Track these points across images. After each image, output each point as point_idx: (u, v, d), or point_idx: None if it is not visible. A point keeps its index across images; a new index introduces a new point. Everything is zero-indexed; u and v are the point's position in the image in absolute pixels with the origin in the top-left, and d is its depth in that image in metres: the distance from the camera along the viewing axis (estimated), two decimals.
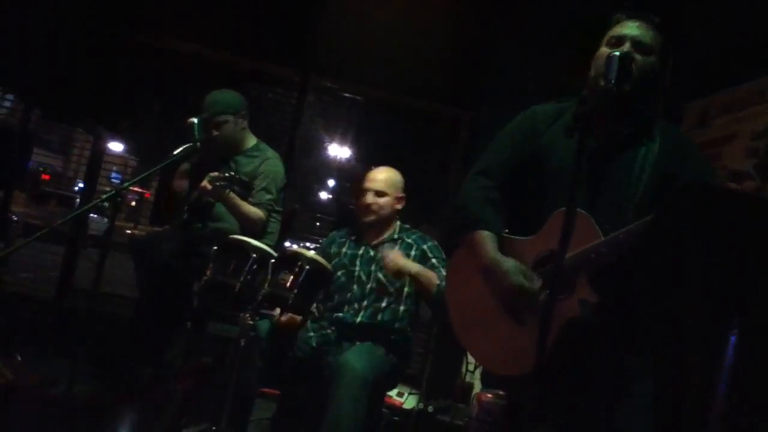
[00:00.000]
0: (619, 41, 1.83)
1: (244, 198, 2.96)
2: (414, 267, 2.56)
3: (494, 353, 1.90)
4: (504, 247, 1.90)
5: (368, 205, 2.74)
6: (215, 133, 3.05)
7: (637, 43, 1.81)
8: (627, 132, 1.86)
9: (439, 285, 2.52)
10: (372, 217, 2.75)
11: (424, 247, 2.73)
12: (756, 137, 3.01)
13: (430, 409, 3.12)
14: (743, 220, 1.53)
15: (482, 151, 2.11)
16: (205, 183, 2.84)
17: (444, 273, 2.53)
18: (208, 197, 2.92)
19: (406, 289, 2.67)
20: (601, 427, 1.83)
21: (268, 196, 3.07)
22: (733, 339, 1.55)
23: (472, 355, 2.02)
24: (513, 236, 1.93)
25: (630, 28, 1.84)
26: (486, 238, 1.89)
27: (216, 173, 2.76)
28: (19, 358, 2.98)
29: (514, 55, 4.08)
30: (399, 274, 2.54)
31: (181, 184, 3.25)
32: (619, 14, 1.90)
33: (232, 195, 2.86)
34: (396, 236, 2.79)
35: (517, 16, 4.09)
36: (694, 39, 3.21)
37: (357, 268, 2.74)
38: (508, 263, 1.85)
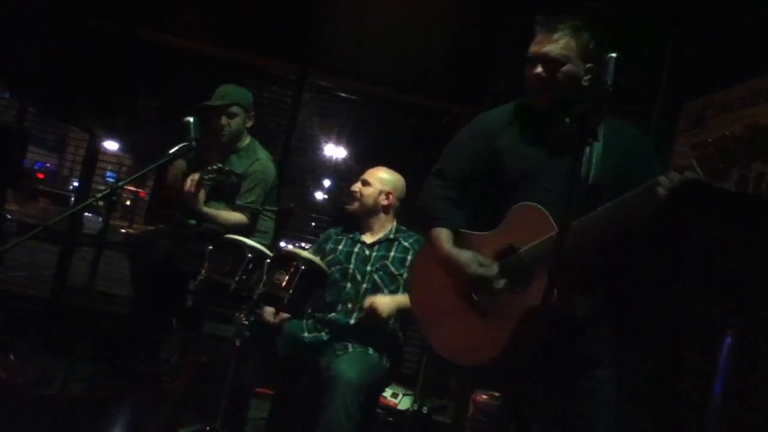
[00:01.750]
0: (531, 60, 1.92)
1: (233, 195, 2.97)
2: (397, 302, 2.55)
3: (456, 345, 1.96)
4: (464, 242, 1.99)
5: (351, 192, 2.80)
6: (224, 122, 3.06)
7: (543, 61, 1.88)
8: (569, 131, 1.89)
9: None
10: (354, 204, 2.79)
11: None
12: None
13: (425, 409, 3.12)
14: (740, 220, 1.54)
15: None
16: (188, 186, 2.85)
17: None
18: (188, 203, 2.93)
19: (400, 291, 2.67)
20: (567, 414, 1.87)
21: (251, 198, 3.09)
22: (728, 340, 1.55)
23: (435, 348, 2.06)
24: (471, 232, 2.01)
25: (535, 45, 1.92)
26: (443, 234, 2.00)
27: (204, 170, 2.78)
28: (13, 357, 2.97)
29: (514, 51, 4.07)
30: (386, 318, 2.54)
31: (175, 182, 3.24)
32: (535, 24, 1.96)
33: (205, 209, 2.93)
34: (392, 236, 2.78)
35: (517, 12, 4.08)
36: (693, 39, 3.22)
37: (351, 266, 2.73)
38: (465, 254, 1.93)
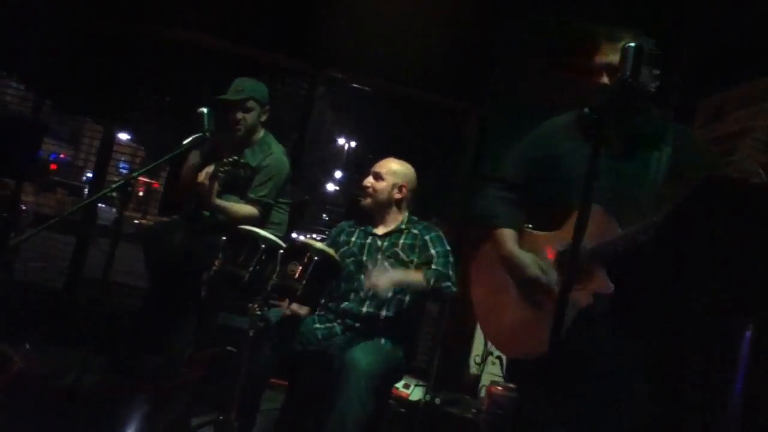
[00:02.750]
0: (603, 68, 1.94)
1: (246, 188, 2.98)
2: (392, 278, 2.48)
3: (510, 338, 2.06)
4: (526, 241, 2.09)
5: (365, 187, 2.79)
6: (240, 116, 3.07)
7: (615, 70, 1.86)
8: (644, 133, 1.96)
9: (429, 280, 2.55)
10: (367, 200, 2.78)
11: (427, 237, 2.73)
12: None
13: (438, 401, 3.12)
14: (762, 214, 1.52)
15: (493, 145, 2.27)
16: (201, 178, 2.85)
17: (440, 265, 2.62)
18: (201, 194, 2.93)
19: None
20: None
21: (264, 192, 3.09)
22: (748, 335, 1.53)
23: (489, 339, 2.29)
24: (534, 230, 2.12)
25: (607, 56, 1.94)
26: (506, 234, 2.11)
27: (219, 162, 2.78)
28: (28, 347, 2.99)
29: (524, 49, 4.05)
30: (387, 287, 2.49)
31: (190, 174, 3.24)
32: (600, 36, 1.98)
33: (218, 201, 2.93)
34: (403, 227, 2.79)
35: (527, 11, 4.06)
36: (709, 34, 3.18)
37: (365, 257, 2.74)
38: (526, 257, 2.02)
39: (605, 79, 1.93)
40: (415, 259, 2.69)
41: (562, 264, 1.94)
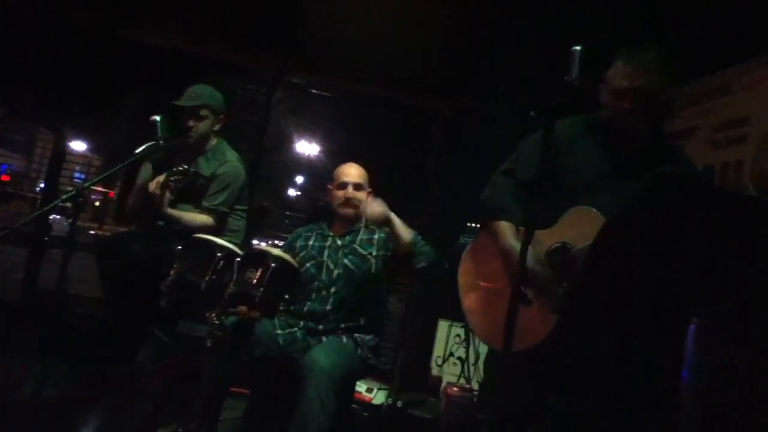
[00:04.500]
0: (625, 91, 1.95)
1: (200, 197, 2.94)
2: (392, 214, 2.57)
3: (498, 330, 1.99)
4: (522, 237, 2.04)
5: (349, 199, 2.77)
6: (191, 123, 3.03)
7: (639, 93, 1.93)
8: (644, 151, 2.03)
9: (414, 235, 2.61)
10: (351, 211, 2.78)
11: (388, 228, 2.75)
12: (717, 129, 3.07)
13: (400, 404, 3.13)
14: (710, 213, 1.57)
15: (459, 144, 2.25)
16: (152, 187, 2.81)
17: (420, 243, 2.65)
18: (153, 204, 2.90)
19: (373, 271, 2.70)
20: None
21: (219, 200, 3.07)
22: (692, 327, 1.58)
23: (476, 332, 2.20)
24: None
25: (631, 80, 1.95)
26: (506, 227, 2.12)
27: (170, 171, 2.75)
28: None
29: (493, 47, 4.09)
30: (380, 219, 2.55)
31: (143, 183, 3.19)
32: (623, 57, 1.99)
33: (170, 211, 2.90)
34: (361, 225, 2.82)
35: (496, 9, 4.09)
36: (663, 32, 3.25)
37: (325, 258, 2.76)
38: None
39: (627, 105, 1.95)
40: (374, 251, 2.73)
41: (552, 262, 1.97)
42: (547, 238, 2.04)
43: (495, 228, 2.14)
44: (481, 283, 2.19)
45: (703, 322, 1.60)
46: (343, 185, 2.80)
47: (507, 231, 2.11)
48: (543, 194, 2.10)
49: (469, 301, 2.21)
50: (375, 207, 2.55)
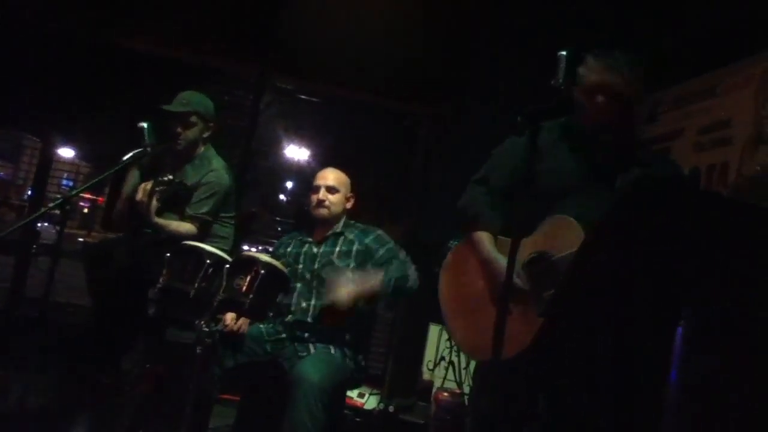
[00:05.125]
0: (602, 91, 1.94)
1: (185, 204, 2.94)
2: (355, 289, 2.50)
3: (479, 341, 2.00)
4: (501, 246, 2.06)
5: (321, 201, 2.76)
6: (180, 130, 3.02)
7: (617, 95, 1.93)
8: (618, 155, 2.01)
9: (384, 281, 2.55)
10: (324, 212, 2.77)
11: (366, 241, 2.74)
12: (702, 132, 3.10)
13: (392, 408, 3.13)
14: (696, 214, 1.58)
15: (445, 149, 2.19)
16: (140, 196, 2.80)
17: (396, 266, 2.63)
18: (140, 212, 2.87)
19: None
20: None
21: (204, 209, 3.04)
22: (680, 330, 1.59)
23: (457, 342, 2.19)
24: (505, 238, 2.08)
25: (609, 78, 1.94)
26: (484, 237, 2.09)
27: (155, 180, 2.74)
28: None
29: (477, 53, 4.11)
30: (349, 303, 2.49)
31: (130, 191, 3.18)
32: (597, 57, 1.99)
33: (156, 219, 2.87)
34: (338, 230, 2.80)
35: (484, 15, 4.11)
36: (645, 34, 3.28)
37: (300, 266, 2.75)
38: (504, 261, 1.93)
39: (600, 99, 1.95)
40: (352, 264, 2.68)
41: (530, 272, 1.95)
42: (523, 248, 1.98)
43: (473, 238, 2.12)
44: (462, 295, 2.15)
45: (690, 324, 1.61)
46: (316, 188, 2.79)
47: (486, 241, 2.08)
48: (522, 201, 2.07)
49: (450, 312, 2.17)
50: (339, 294, 2.48)
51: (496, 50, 3.97)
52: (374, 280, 2.54)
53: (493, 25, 3.99)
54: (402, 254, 2.73)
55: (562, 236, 1.88)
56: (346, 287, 2.49)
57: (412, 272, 2.66)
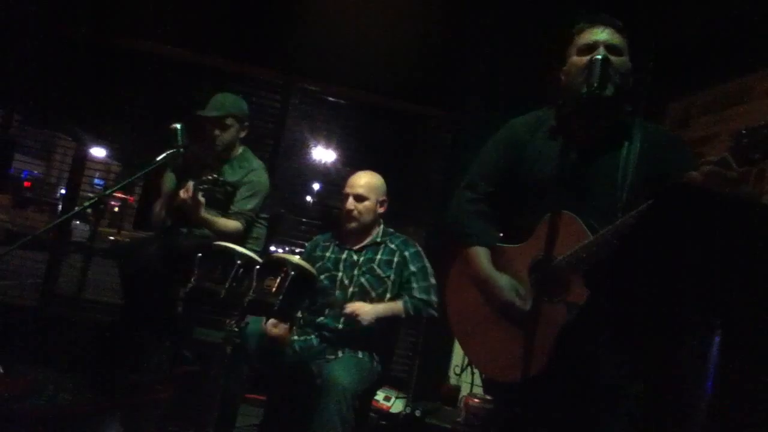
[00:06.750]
0: (590, 48, 1.84)
1: (227, 203, 2.95)
2: (377, 310, 2.57)
3: (494, 360, 1.94)
4: (498, 256, 1.96)
5: (349, 211, 2.75)
6: (217, 133, 3.05)
7: (610, 48, 1.83)
8: (604, 134, 1.89)
9: (408, 308, 2.60)
10: (353, 224, 2.76)
11: (406, 253, 2.74)
12: None
13: (418, 413, 3.12)
14: (727, 221, 1.55)
15: (466, 153, 2.12)
16: (182, 194, 2.82)
17: (421, 289, 2.65)
18: (187, 210, 2.90)
19: (388, 295, 2.68)
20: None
21: (249, 206, 3.08)
22: (717, 338, 1.56)
23: (472, 362, 2.06)
24: (504, 245, 1.98)
25: (598, 34, 1.86)
26: (479, 253, 1.97)
27: (200, 179, 2.76)
28: (1, 370, 2.93)
29: (498, 56, 4.09)
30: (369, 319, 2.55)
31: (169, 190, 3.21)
32: (582, 23, 1.92)
33: (205, 215, 2.89)
34: (379, 239, 2.79)
35: (499, 19, 4.10)
36: (677, 38, 3.23)
37: (340, 273, 2.74)
38: (503, 279, 1.91)
39: (594, 56, 1.78)
40: (392, 275, 2.70)
41: (536, 278, 1.87)
42: (519, 256, 1.93)
43: (467, 257, 2.00)
44: (467, 314, 2.03)
45: (726, 333, 1.58)
46: (345, 196, 2.78)
47: (481, 257, 1.97)
48: (510, 201, 2.01)
49: (460, 335, 2.08)
50: (358, 312, 2.54)
51: (517, 55, 3.96)
52: (396, 307, 2.61)
53: (511, 29, 3.99)
54: (432, 279, 2.72)
55: (561, 234, 1.78)
56: (368, 307, 2.56)
57: (434, 298, 2.66)
